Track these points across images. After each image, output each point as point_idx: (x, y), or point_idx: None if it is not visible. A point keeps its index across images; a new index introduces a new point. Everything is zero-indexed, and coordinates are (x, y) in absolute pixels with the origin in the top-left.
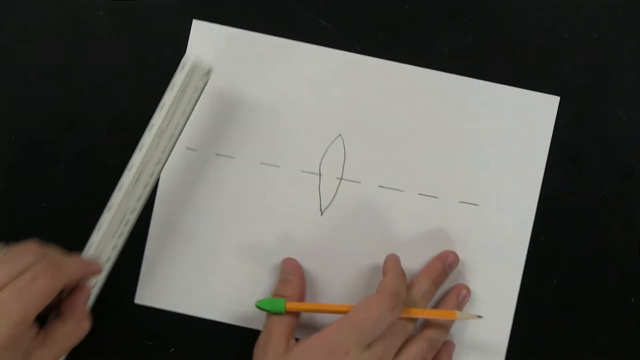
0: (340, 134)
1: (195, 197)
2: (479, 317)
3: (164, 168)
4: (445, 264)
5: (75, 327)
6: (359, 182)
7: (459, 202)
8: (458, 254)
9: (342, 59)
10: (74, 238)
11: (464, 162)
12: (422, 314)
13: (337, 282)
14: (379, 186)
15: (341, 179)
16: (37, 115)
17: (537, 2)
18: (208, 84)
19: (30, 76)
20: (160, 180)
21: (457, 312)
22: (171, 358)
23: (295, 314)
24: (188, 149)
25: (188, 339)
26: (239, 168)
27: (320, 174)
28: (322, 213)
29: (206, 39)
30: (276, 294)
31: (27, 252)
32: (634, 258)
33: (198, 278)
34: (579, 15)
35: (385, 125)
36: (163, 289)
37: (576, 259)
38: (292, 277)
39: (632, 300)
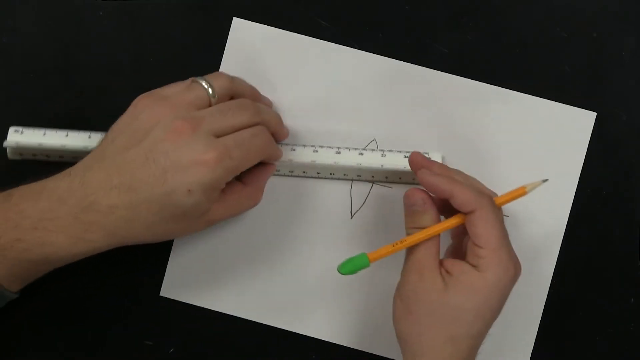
0: (374, 139)
1: None
2: (545, 180)
3: None
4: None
5: (252, 193)
6: (391, 187)
7: None
8: None
9: (380, 64)
10: None
11: (495, 172)
12: (504, 200)
13: (366, 282)
14: (412, 183)
15: (373, 182)
16: (37, 116)
17: (537, 3)
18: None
19: (30, 76)
20: None
21: (526, 186)
22: (171, 358)
23: (436, 238)
24: None
25: (188, 340)
26: None
27: (352, 178)
28: (352, 216)
29: (246, 37)
30: (412, 227)
31: (245, 108)
32: (634, 258)
33: (224, 275)
34: (579, 15)
35: (419, 131)
36: (189, 284)
37: (576, 259)
38: (424, 206)
39: (632, 300)
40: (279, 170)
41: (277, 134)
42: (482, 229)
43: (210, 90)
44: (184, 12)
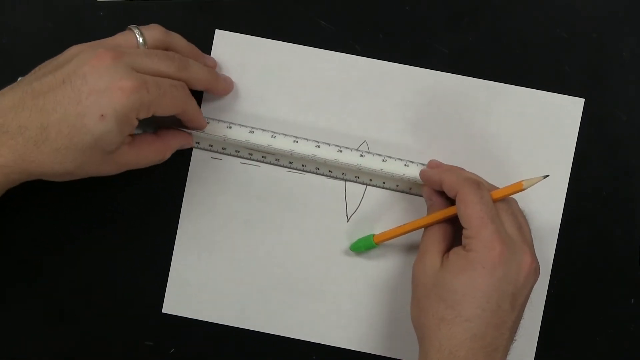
0: (365, 140)
1: (221, 206)
2: (546, 176)
3: (190, 177)
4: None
5: (161, 148)
6: (385, 188)
7: None
8: None
9: (364, 65)
10: (80, 244)
11: (490, 167)
12: (500, 193)
13: (365, 286)
14: (405, 191)
15: (367, 184)
16: None
17: (537, 3)
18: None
19: None
20: (186, 190)
21: (523, 181)
22: (171, 358)
23: (447, 223)
24: (213, 157)
25: (188, 340)
26: (265, 176)
27: (345, 180)
28: (348, 219)
29: (228, 48)
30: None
31: (171, 59)
32: (634, 258)
33: (225, 286)
34: (579, 15)
35: (410, 130)
36: (190, 298)
37: (576, 259)
38: (430, 200)
39: (632, 300)
40: (278, 160)
41: (213, 89)
42: (463, 209)
43: (140, 39)
44: (184, 13)
